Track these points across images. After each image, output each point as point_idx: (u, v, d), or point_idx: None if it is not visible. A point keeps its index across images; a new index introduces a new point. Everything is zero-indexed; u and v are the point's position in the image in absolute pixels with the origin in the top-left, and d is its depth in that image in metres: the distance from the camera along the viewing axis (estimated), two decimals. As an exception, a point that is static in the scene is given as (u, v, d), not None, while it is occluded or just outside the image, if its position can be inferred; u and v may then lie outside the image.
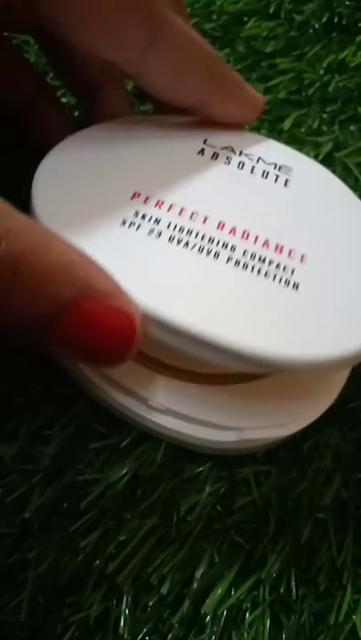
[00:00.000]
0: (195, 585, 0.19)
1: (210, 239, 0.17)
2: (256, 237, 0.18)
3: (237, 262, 0.17)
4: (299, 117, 0.30)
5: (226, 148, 0.20)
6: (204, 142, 0.20)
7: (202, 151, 0.20)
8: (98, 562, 0.19)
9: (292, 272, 0.17)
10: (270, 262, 0.17)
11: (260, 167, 0.20)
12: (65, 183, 0.18)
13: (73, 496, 0.20)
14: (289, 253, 0.17)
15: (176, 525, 0.20)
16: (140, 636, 0.18)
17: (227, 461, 0.21)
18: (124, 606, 0.19)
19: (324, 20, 0.33)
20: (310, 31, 0.33)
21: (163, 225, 0.17)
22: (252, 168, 0.20)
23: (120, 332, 0.15)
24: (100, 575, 0.19)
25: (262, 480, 0.21)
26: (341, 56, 0.32)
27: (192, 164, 0.19)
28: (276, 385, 0.20)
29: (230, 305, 0.16)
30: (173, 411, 0.19)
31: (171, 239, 0.17)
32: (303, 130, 0.29)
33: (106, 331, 0.14)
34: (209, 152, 0.20)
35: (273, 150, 0.21)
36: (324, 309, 0.17)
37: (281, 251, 0.17)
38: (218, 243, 0.17)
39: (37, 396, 0.21)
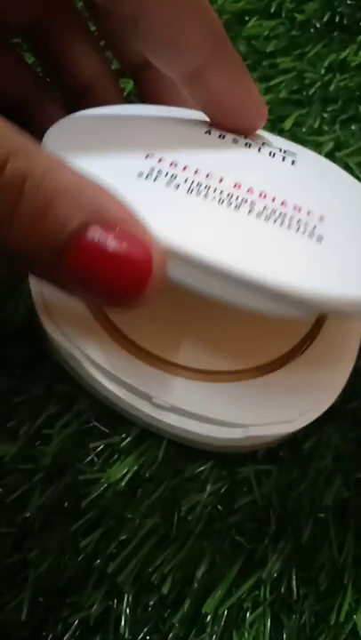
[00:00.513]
0: (195, 585, 0.19)
1: (228, 194, 0.17)
2: (274, 197, 0.17)
3: (259, 214, 0.16)
4: (300, 117, 0.30)
5: (230, 134, 0.20)
6: (209, 127, 0.20)
7: (208, 132, 0.20)
8: (98, 561, 0.19)
9: (314, 227, 0.17)
10: (291, 218, 0.17)
11: (266, 149, 0.20)
12: (75, 143, 0.17)
13: (73, 495, 0.20)
14: (308, 213, 0.17)
15: (177, 525, 0.20)
16: (141, 635, 0.18)
17: (228, 461, 0.21)
18: (124, 606, 0.18)
19: (325, 19, 0.33)
20: (311, 30, 0.33)
21: (180, 179, 0.17)
22: (259, 148, 0.20)
23: (135, 263, 0.13)
24: (100, 575, 0.19)
25: (263, 480, 0.21)
26: (343, 55, 0.32)
27: (201, 139, 0.19)
28: (281, 381, 0.20)
29: (261, 247, 0.15)
30: (178, 408, 0.19)
31: (189, 191, 0.16)
32: (304, 129, 0.29)
33: (119, 260, 0.13)
34: (215, 133, 0.20)
35: (276, 140, 0.21)
36: (352, 258, 0.16)
37: (300, 210, 0.17)
38: (237, 197, 0.17)
39: (38, 396, 0.21)
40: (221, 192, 0.17)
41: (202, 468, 0.21)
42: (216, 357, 0.20)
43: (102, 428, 0.21)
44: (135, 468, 0.20)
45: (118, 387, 0.20)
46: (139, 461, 0.20)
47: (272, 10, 0.33)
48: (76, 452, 0.20)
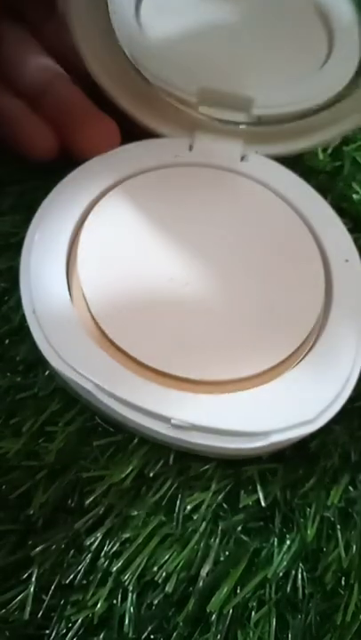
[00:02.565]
0: (200, 583, 0.19)
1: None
2: None
3: None
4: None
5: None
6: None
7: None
8: (102, 559, 0.19)
9: None
10: None
11: None
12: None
13: (77, 493, 0.19)
14: None
15: (182, 523, 0.20)
16: (145, 634, 0.18)
17: (233, 460, 0.21)
18: (128, 604, 0.18)
19: None
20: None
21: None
22: None
23: None
24: (104, 573, 0.19)
25: (269, 478, 0.21)
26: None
27: None
28: (295, 381, 0.20)
29: None
30: (198, 425, 0.19)
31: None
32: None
33: None
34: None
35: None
36: None
37: None
38: None
39: (42, 392, 0.21)
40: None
41: (207, 467, 0.20)
42: (227, 365, 0.20)
43: (106, 425, 0.21)
44: (140, 466, 0.20)
45: (133, 411, 0.19)
46: (143, 459, 0.20)
47: None
48: (80, 449, 0.20)
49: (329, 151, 0.28)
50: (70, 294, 0.21)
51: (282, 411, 0.20)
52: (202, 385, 0.20)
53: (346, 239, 0.24)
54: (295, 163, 0.26)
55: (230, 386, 0.20)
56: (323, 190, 0.26)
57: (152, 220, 0.23)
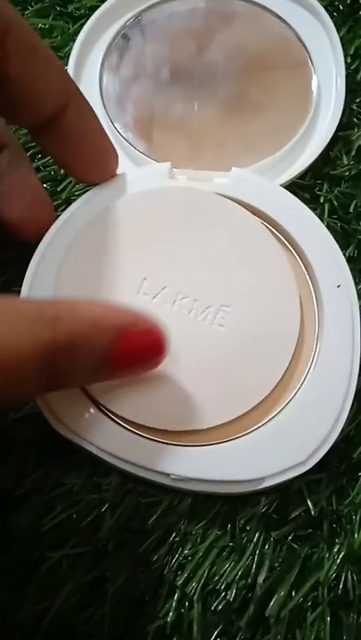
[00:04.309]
0: (258, 589, 0.21)
1: None
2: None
3: None
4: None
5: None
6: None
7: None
8: (168, 574, 0.21)
9: None
10: None
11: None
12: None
13: (139, 516, 0.22)
14: None
15: (238, 535, 0.21)
16: (212, 638, 0.20)
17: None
18: (195, 612, 0.21)
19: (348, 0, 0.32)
20: (335, 14, 0.32)
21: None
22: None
23: (152, 342, 0.19)
24: (171, 586, 0.21)
25: (314, 488, 0.22)
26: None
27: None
28: (284, 424, 0.21)
29: None
30: (196, 478, 0.20)
31: None
32: (333, 123, 0.29)
33: (143, 344, 0.19)
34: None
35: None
36: None
37: None
38: None
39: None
40: None
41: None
42: (213, 411, 0.21)
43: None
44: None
45: (135, 467, 0.21)
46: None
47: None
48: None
49: (353, 153, 0.28)
50: None
51: (273, 455, 0.20)
52: (196, 434, 0.21)
53: (338, 262, 0.22)
54: (319, 168, 0.27)
55: (223, 431, 0.21)
56: (348, 196, 0.27)
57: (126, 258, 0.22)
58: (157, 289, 0.22)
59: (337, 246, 0.23)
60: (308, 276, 0.23)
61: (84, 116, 0.21)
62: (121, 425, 0.21)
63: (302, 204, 0.23)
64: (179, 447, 0.21)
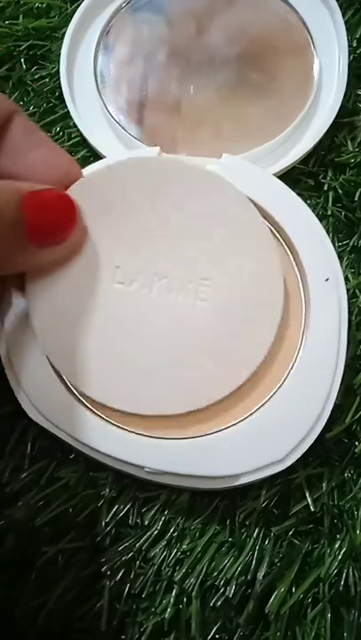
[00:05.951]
0: (258, 585, 0.20)
1: None
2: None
3: None
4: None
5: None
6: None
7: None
8: (166, 569, 0.21)
9: None
10: None
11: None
12: None
13: (137, 511, 0.21)
14: None
15: (238, 530, 0.21)
16: (211, 635, 0.20)
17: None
18: (193, 609, 0.20)
19: (354, -19, 0.31)
20: (340, -4, 0.31)
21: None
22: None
23: (57, 197, 0.19)
24: (169, 581, 0.21)
25: (315, 483, 0.22)
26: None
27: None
28: (265, 421, 0.20)
29: None
30: (170, 472, 0.20)
31: None
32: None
33: (48, 200, 0.19)
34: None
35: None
36: None
37: None
38: None
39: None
40: None
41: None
42: (206, 390, 0.20)
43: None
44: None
45: (111, 459, 0.20)
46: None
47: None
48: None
49: (358, 140, 0.27)
50: None
51: (250, 452, 0.20)
52: (171, 428, 0.20)
53: (327, 255, 0.21)
54: (322, 156, 0.26)
55: (200, 425, 0.20)
56: (353, 184, 0.26)
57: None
58: (132, 275, 0.20)
59: (328, 239, 0.22)
60: (296, 268, 0.22)
61: (29, 130, 0.20)
62: (100, 416, 0.20)
63: (294, 193, 0.22)
64: (155, 440, 0.20)
